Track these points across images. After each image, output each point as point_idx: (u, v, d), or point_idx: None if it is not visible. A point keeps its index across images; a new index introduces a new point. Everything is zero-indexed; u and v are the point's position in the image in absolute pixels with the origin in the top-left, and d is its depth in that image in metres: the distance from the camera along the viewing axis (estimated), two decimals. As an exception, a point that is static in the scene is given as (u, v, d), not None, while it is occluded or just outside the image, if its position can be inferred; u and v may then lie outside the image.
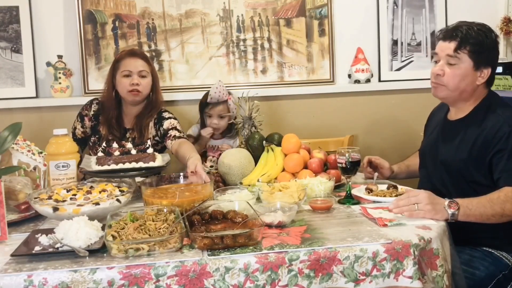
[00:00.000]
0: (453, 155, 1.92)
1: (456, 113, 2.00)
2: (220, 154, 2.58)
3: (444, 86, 1.93)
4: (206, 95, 2.73)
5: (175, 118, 2.58)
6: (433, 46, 3.26)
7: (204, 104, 2.72)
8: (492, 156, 1.82)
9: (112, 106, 2.55)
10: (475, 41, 1.87)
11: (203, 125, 2.76)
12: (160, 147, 2.59)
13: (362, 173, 2.29)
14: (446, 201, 1.68)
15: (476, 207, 1.71)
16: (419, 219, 1.63)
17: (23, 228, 1.70)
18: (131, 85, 2.49)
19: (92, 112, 2.60)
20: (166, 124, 2.55)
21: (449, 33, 1.92)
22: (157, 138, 2.57)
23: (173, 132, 2.48)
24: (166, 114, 2.61)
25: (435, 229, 1.56)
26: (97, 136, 2.57)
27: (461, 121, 1.97)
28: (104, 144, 2.37)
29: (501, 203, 1.71)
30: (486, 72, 1.90)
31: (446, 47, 1.91)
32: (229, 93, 2.73)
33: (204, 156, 2.73)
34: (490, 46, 1.90)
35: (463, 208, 1.69)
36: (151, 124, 2.59)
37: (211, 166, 2.65)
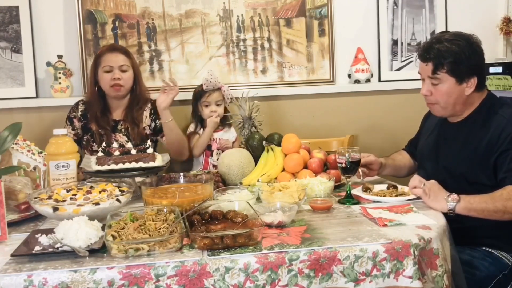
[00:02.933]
0: (456, 157, 1.92)
1: (456, 116, 2.00)
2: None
3: (437, 104, 1.95)
4: (196, 89, 2.80)
5: None
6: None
7: (199, 95, 2.76)
8: (497, 157, 1.82)
9: (96, 101, 2.61)
10: (449, 59, 1.85)
11: (196, 119, 2.81)
12: (155, 139, 2.69)
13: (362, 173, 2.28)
14: (448, 194, 1.74)
15: (478, 203, 1.73)
16: (418, 219, 1.64)
17: (23, 228, 1.70)
18: (113, 79, 2.55)
19: (79, 113, 2.66)
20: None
21: (424, 55, 1.92)
22: (152, 128, 2.67)
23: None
24: None
25: (435, 229, 1.56)
26: (89, 134, 2.62)
27: (462, 123, 1.97)
28: (104, 144, 2.38)
29: (503, 201, 1.72)
30: (473, 81, 1.88)
31: (425, 69, 1.92)
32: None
33: (209, 150, 2.77)
34: (466, 56, 1.86)
35: (464, 202, 1.71)
36: (146, 113, 2.68)
37: (218, 159, 2.68)
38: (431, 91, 1.93)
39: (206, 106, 2.75)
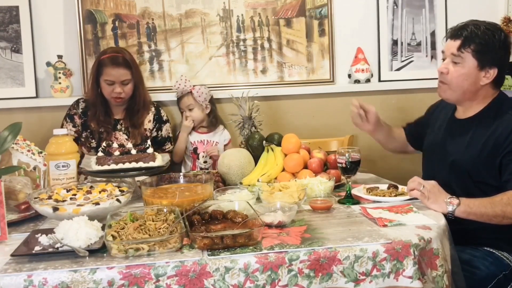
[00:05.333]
0: (462, 154, 1.90)
1: (464, 112, 1.98)
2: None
3: (447, 85, 1.92)
4: None
5: (168, 120, 2.81)
6: (433, 46, 3.27)
7: (177, 103, 2.86)
8: (502, 157, 1.80)
9: (97, 103, 2.64)
10: (480, 40, 1.84)
11: None
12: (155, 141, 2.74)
13: (362, 173, 2.29)
14: (448, 196, 1.73)
15: (477, 207, 1.72)
16: (418, 219, 1.64)
17: (23, 228, 1.70)
18: (114, 92, 2.59)
19: (80, 110, 2.69)
20: (164, 131, 2.76)
21: (455, 32, 1.90)
22: (154, 133, 2.73)
23: (168, 147, 2.77)
24: (163, 113, 2.78)
25: (435, 229, 1.56)
26: (89, 131, 2.64)
27: (470, 120, 1.94)
28: (104, 144, 2.38)
29: (502, 206, 1.71)
30: (492, 72, 1.86)
31: (452, 45, 1.89)
32: (194, 86, 2.83)
33: (195, 153, 2.78)
34: (496, 46, 1.85)
35: (464, 206, 1.70)
36: (149, 117, 2.72)
37: (205, 162, 2.71)
38: (449, 70, 1.90)
39: (182, 112, 2.81)
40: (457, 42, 1.87)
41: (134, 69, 2.65)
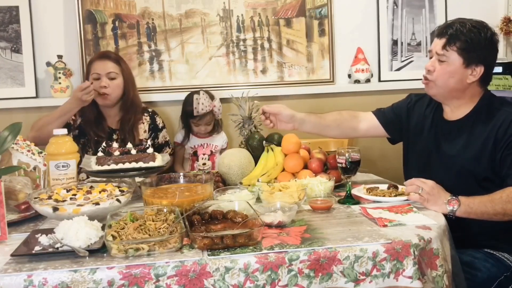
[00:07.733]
0: (462, 155, 1.88)
1: (453, 113, 1.96)
2: (210, 151, 2.80)
3: (433, 82, 1.92)
4: (186, 104, 2.77)
5: (165, 126, 2.74)
6: (433, 46, 3.28)
7: (189, 115, 2.76)
8: (502, 151, 1.80)
9: (89, 108, 2.58)
10: (465, 38, 1.84)
11: (187, 131, 2.83)
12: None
13: (362, 173, 2.29)
14: (448, 197, 1.71)
15: (477, 206, 1.72)
16: (418, 219, 1.64)
17: (23, 228, 1.69)
18: (99, 87, 2.52)
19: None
20: (161, 137, 2.70)
21: (441, 30, 1.90)
22: (150, 141, 2.63)
23: (167, 151, 2.70)
24: (159, 121, 2.71)
25: (435, 229, 1.56)
26: (86, 138, 2.60)
27: (463, 120, 1.93)
28: (103, 144, 2.38)
29: (502, 204, 1.71)
30: (479, 70, 1.86)
31: (437, 44, 1.90)
32: (213, 98, 2.77)
33: (195, 155, 2.78)
34: (482, 44, 1.85)
35: (464, 206, 1.70)
36: (144, 127, 2.66)
37: (204, 164, 2.70)
38: (435, 68, 1.90)
39: (197, 126, 2.77)
40: (442, 41, 1.87)
41: (124, 67, 2.61)
